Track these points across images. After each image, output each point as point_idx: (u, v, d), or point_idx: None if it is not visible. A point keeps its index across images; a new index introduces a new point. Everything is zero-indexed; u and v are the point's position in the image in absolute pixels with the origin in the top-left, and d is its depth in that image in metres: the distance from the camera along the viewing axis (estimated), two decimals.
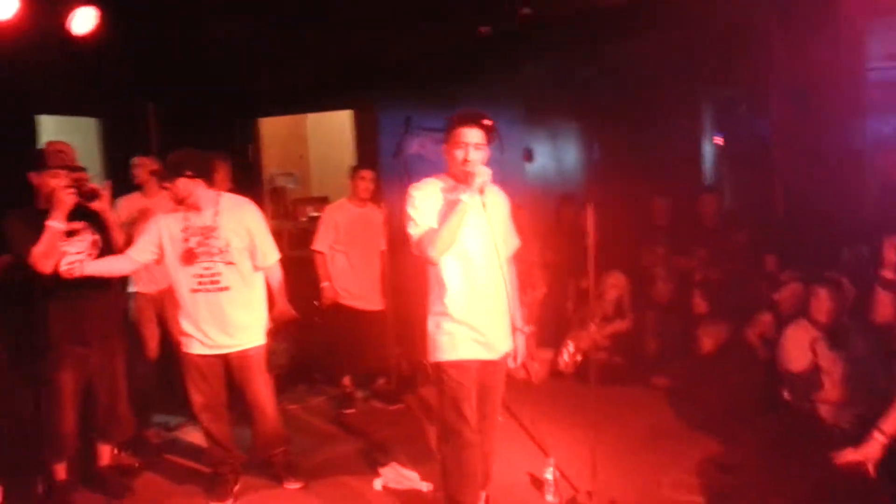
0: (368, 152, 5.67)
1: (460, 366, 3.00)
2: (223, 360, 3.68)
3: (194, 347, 3.64)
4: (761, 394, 4.28)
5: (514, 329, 3.07)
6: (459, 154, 2.88)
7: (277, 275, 3.82)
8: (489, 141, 2.92)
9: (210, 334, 3.60)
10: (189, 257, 3.52)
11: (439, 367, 3.04)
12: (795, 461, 3.48)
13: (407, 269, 5.32)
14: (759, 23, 4.69)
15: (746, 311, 4.77)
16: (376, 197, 5.17)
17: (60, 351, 3.53)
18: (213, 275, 3.55)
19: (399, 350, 5.37)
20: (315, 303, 5.22)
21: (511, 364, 3.23)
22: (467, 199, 2.80)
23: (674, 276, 5.51)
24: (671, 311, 5.46)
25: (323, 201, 6.51)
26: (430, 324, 3.08)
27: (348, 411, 5.04)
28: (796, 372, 3.93)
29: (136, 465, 4.11)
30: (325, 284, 5.01)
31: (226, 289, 3.57)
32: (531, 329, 4.41)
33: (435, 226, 2.89)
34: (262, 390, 3.77)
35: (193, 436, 4.47)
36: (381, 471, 3.93)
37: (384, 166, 5.46)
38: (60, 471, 3.67)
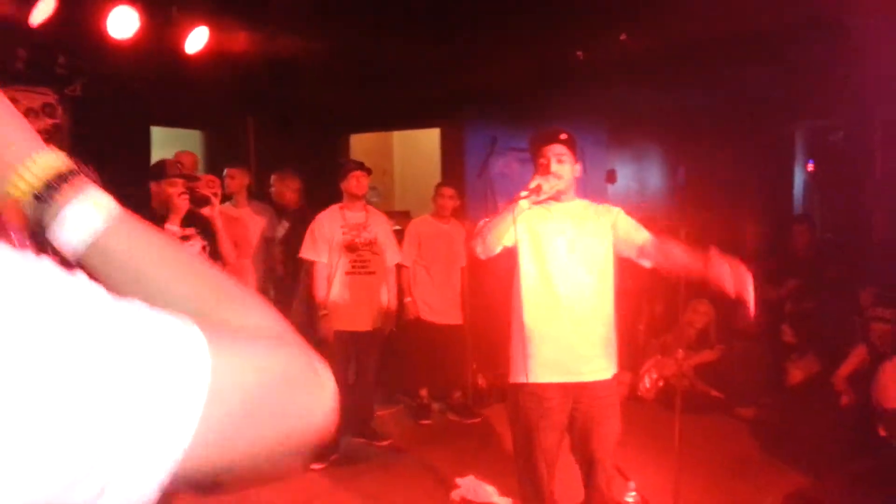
0: (454, 170, 5.78)
1: (537, 392, 2.86)
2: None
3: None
4: (852, 430, 4.14)
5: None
6: (543, 168, 2.90)
7: None
8: (573, 154, 2.93)
9: None
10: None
11: (513, 389, 2.96)
12: (888, 501, 3.35)
13: (486, 285, 5.41)
14: (859, 51, 4.58)
15: (838, 346, 4.63)
16: (459, 214, 5.27)
17: None
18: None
19: (476, 365, 5.43)
20: (395, 314, 5.35)
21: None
22: (524, 200, 2.78)
23: (759, 304, 5.37)
24: (757, 340, 5.33)
25: (405, 216, 6.66)
26: (512, 342, 2.97)
27: (424, 422, 5.14)
28: (893, 408, 3.79)
29: None
30: (407, 300, 5.12)
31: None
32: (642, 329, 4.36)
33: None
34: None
35: None
36: (459, 482, 3.98)
37: (469, 184, 5.55)
38: None
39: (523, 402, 2.89)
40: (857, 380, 4.38)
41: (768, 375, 5.08)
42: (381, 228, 4.64)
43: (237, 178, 4.90)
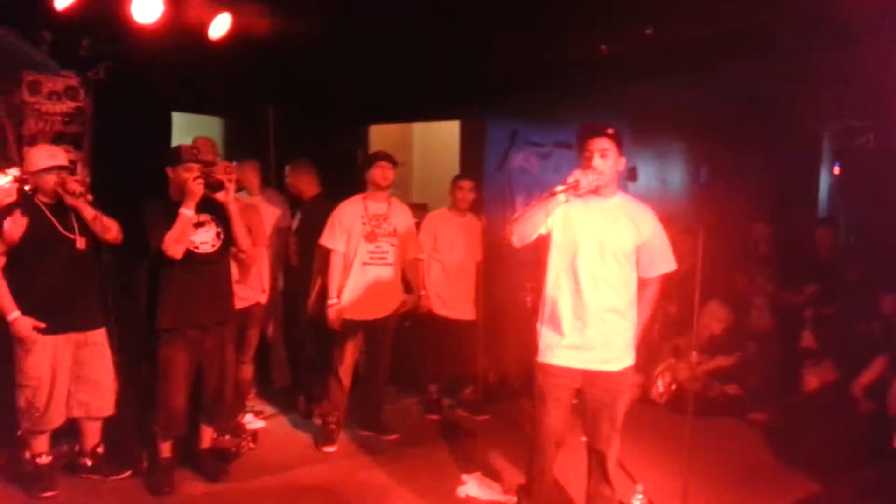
0: (473, 163, 5.75)
1: (549, 370, 3.12)
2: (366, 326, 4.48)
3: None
4: (866, 439, 4.06)
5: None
6: (586, 164, 3.01)
7: None
8: (618, 148, 3.05)
9: None
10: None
11: (535, 366, 3.19)
12: None
13: (501, 282, 5.38)
14: (889, 52, 4.46)
15: (857, 353, 4.53)
16: (476, 207, 5.24)
17: (178, 332, 3.77)
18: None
19: (487, 361, 5.40)
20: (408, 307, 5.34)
21: None
22: (561, 194, 2.91)
23: (773, 306, 5.30)
24: (771, 343, 5.25)
25: (422, 208, 6.61)
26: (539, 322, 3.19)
27: (433, 417, 5.12)
28: None
29: (234, 449, 4.31)
30: (421, 293, 5.10)
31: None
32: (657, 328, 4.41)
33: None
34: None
35: (282, 425, 4.78)
36: (465, 478, 3.98)
37: (487, 178, 5.52)
38: (165, 449, 3.89)
39: (539, 378, 3.16)
40: (875, 389, 4.29)
41: (783, 380, 4.99)
42: (402, 221, 4.64)
43: (247, 172, 4.91)
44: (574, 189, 2.91)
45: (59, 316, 3.63)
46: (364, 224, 4.46)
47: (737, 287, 5.56)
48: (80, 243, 3.65)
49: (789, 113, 5.58)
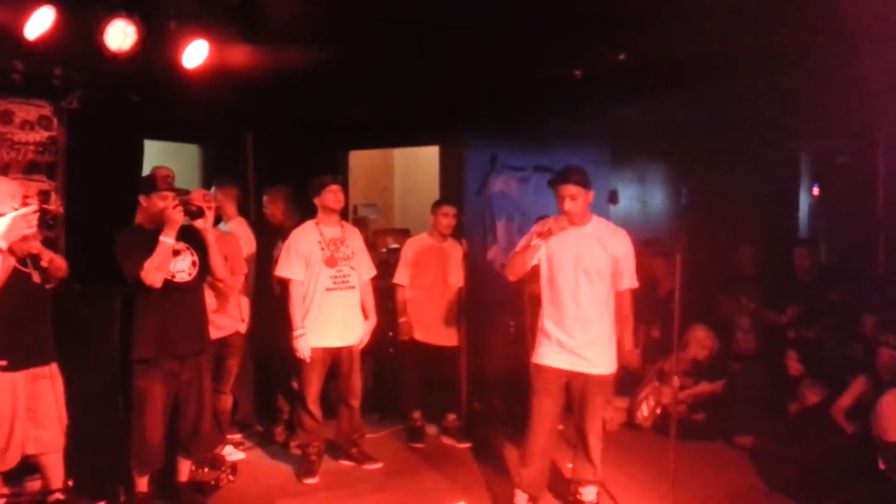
0: (453, 188, 5.72)
1: (542, 369, 3.73)
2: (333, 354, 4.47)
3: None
4: (852, 461, 4.02)
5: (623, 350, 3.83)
6: (560, 206, 3.63)
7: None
8: (584, 187, 3.62)
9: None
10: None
11: (531, 366, 3.82)
12: None
13: (483, 307, 5.34)
14: (867, 72, 4.51)
15: (839, 374, 4.52)
16: (457, 232, 5.21)
17: (154, 364, 3.68)
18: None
19: (471, 387, 5.34)
20: (390, 334, 5.28)
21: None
22: (540, 240, 3.67)
23: (758, 328, 5.29)
24: (755, 364, 5.23)
25: (404, 233, 6.60)
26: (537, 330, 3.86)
27: (417, 445, 5.04)
28: (893, 441, 3.68)
29: (212, 482, 4.21)
30: (402, 320, 5.05)
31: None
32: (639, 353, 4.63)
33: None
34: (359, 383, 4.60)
35: (261, 456, 4.69)
36: None
37: (468, 202, 5.50)
38: (142, 483, 3.80)
39: (533, 375, 3.78)
40: (858, 410, 4.27)
41: (767, 400, 4.97)
42: (356, 243, 4.59)
43: (225, 198, 4.85)
44: (547, 237, 3.63)
45: (19, 352, 3.50)
46: (322, 249, 4.40)
47: (721, 308, 5.56)
48: (36, 277, 3.54)
49: (768, 133, 5.62)
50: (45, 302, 3.63)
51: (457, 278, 5.13)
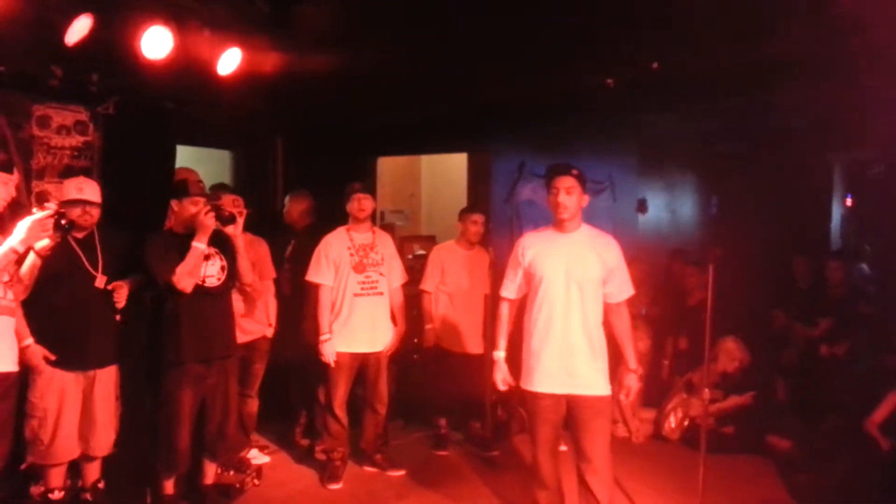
0: (480, 195, 5.73)
1: (533, 395, 3.37)
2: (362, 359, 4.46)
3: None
4: (886, 476, 3.93)
5: (626, 369, 3.43)
6: (553, 199, 3.31)
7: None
8: (581, 187, 3.31)
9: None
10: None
11: (522, 392, 3.46)
12: None
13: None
14: None
15: (872, 388, 4.42)
16: (484, 240, 5.20)
17: (184, 368, 3.72)
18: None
19: (496, 396, 5.32)
20: (415, 340, 5.29)
21: (623, 399, 3.55)
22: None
23: (795, 343, 5.20)
24: (800, 376, 5.14)
25: (430, 240, 6.61)
26: (522, 354, 3.45)
27: (441, 452, 5.03)
28: None
29: (237, 485, 4.24)
30: (428, 326, 5.05)
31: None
32: (641, 371, 4.34)
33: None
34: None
35: (286, 461, 4.71)
36: None
37: (495, 210, 5.49)
38: (168, 486, 3.83)
39: (527, 403, 3.44)
40: (893, 425, 4.17)
41: (802, 415, 4.87)
42: (387, 250, 4.62)
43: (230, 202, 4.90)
44: None
45: (72, 351, 3.57)
46: (352, 255, 4.44)
47: (774, 323, 5.45)
48: (100, 282, 3.63)
49: (800, 144, 5.54)
50: (108, 305, 3.66)
51: (483, 285, 5.11)
